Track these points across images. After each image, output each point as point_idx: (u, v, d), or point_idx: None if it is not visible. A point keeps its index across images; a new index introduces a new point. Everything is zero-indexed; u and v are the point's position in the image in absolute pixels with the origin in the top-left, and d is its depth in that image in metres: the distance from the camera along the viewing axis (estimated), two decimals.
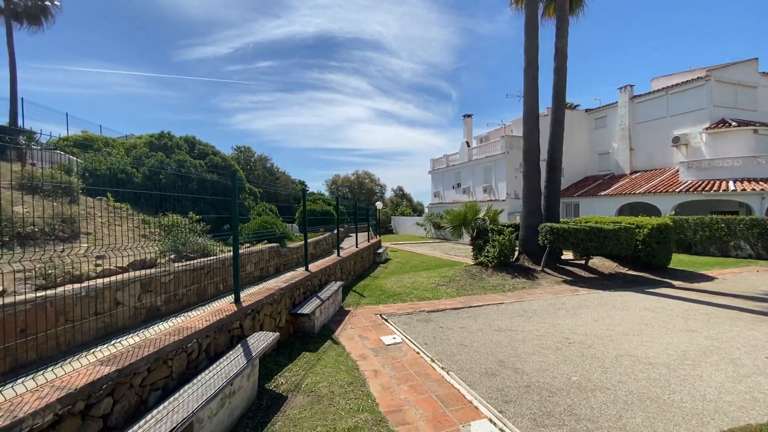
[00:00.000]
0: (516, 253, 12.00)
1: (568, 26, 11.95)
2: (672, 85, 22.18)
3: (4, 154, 13.65)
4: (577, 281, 10.14)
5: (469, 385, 4.05)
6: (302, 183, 65.00)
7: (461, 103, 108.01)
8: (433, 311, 7.29)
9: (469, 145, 30.23)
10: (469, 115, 32.59)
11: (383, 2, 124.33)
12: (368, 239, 16.16)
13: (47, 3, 17.71)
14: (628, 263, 11.83)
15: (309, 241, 16.26)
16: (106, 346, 4.41)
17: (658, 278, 10.47)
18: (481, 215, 12.64)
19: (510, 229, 11.57)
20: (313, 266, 7.60)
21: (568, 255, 13.21)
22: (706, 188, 17.25)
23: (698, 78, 20.72)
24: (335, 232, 16.16)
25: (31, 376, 2.72)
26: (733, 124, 19.32)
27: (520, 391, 3.92)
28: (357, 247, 12.58)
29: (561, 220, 12.81)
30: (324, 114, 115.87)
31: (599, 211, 21.31)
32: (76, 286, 4.93)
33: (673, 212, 17.81)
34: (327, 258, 9.73)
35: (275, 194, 28.11)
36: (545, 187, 12.25)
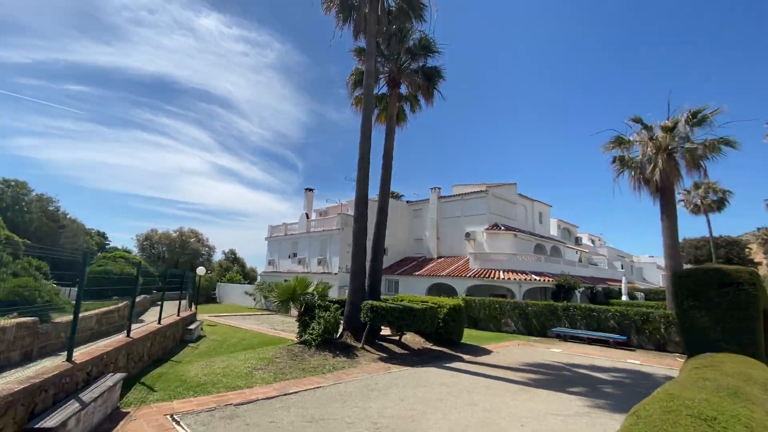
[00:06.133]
0: (340, 330, 12.17)
1: (394, 133, 14.44)
2: (466, 193, 28.78)
3: None
4: (391, 358, 10.83)
5: None
6: (101, 235, 52.43)
7: (306, 175, 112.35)
8: (243, 403, 6.42)
9: (308, 217, 30.94)
10: (310, 189, 33.93)
11: (238, 66, 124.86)
12: (178, 312, 13.74)
13: None
14: (433, 339, 13.49)
15: (94, 312, 12.74)
16: None
17: (454, 353, 12.21)
18: (310, 289, 12.56)
19: (336, 305, 11.81)
20: (84, 353, 5.81)
21: (387, 331, 14.20)
22: (487, 275, 22.02)
23: (481, 191, 27.64)
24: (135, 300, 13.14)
25: None
26: (501, 228, 26.05)
27: None
28: (160, 323, 10.47)
29: (382, 297, 13.92)
30: (150, 158, 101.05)
31: (415, 289, 24.28)
32: None
33: (465, 294, 21.79)
34: (112, 339, 7.66)
35: (52, 246, 21.57)
36: (370, 267, 13.31)
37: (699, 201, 35.31)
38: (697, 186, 34.12)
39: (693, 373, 4.48)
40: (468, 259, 25.46)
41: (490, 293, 22.86)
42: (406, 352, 11.83)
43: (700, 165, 14.59)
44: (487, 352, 12.83)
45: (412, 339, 13.41)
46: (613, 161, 16.54)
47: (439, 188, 30.04)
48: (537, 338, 16.62)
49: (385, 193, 13.94)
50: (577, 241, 39.91)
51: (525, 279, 21.33)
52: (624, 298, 23.04)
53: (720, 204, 35.28)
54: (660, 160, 14.68)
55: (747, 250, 59.01)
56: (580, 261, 33.34)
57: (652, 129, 15.75)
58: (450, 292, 22.72)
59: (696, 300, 6.53)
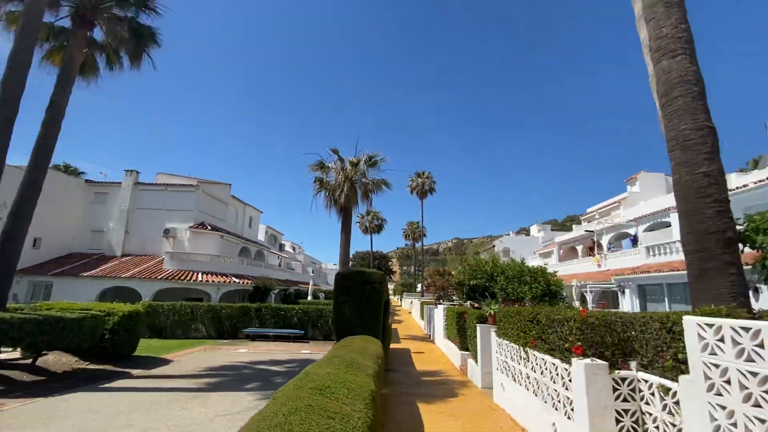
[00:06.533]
0: None
1: (72, 84, 10.79)
2: (172, 184, 25.45)
3: None
4: (12, 390, 7.71)
5: None
6: None
7: None
8: None
9: None
10: None
11: None
12: None
13: None
14: (92, 356, 10.71)
15: None
16: None
17: (120, 369, 10.16)
18: None
19: None
20: None
21: (13, 354, 10.12)
22: (183, 277, 20.04)
23: (191, 185, 25.26)
24: None
25: None
26: (209, 227, 24.68)
27: None
28: None
29: (14, 306, 9.85)
30: None
31: (79, 294, 18.70)
32: None
33: (152, 298, 18.88)
34: None
35: None
36: None
37: (367, 224, 47.39)
38: (368, 212, 45.64)
39: (331, 352, 5.71)
40: (163, 259, 22.31)
41: (185, 297, 20.87)
42: (41, 378, 8.78)
43: (369, 196, 19.50)
44: (166, 362, 11.51)
45: (56, 360, 10.13)
46: (315, 181, 19.36)
47: (137, 172, 24.95)
48: (227, 341, 16.54)
49: (43, 161, 10.05)
50: (281, 247, 43.58)
51: (225, 281, 20.94)
52: (309, 297, 27.01)
53: (379, 228, 48.96)
54: (345, 187, 18.49)
55: (391, 262, 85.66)
56: (280, 265, 36.42)
57: (345, 161, 19.68)
58: (134, 296, 19.01)
59: (347, 295, 8.53)
